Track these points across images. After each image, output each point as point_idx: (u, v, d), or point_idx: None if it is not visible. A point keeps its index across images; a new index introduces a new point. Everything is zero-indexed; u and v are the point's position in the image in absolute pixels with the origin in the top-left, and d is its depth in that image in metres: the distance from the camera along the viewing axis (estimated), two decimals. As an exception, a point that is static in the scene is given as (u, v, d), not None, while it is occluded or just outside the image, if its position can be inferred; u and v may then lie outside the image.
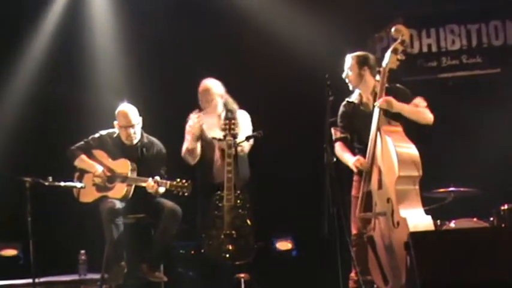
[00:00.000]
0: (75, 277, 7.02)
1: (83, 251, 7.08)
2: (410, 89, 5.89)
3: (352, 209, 5.88)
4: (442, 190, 6.79)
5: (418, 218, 5.37)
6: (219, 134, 6.57)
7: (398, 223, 5.36)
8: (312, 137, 6.39)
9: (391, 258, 5.40)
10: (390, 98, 5.61)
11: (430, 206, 6.08)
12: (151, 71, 7.95)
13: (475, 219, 6.68)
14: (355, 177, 5.92)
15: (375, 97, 5.74)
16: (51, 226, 7.52)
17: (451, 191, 6.84)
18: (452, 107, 7.61)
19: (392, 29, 5.76)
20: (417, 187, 5.53)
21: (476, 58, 8.20)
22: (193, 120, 6.70)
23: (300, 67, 7.62)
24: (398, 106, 5.63)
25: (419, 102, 5.77)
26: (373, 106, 5.69)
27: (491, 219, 6.78)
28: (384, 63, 5.67)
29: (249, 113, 6.97)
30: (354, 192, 5.93)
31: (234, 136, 6.57)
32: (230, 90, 6.98)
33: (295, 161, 7.73)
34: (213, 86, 6.81)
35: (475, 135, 7.66)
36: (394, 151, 5.46)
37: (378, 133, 5.58)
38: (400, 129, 5.67)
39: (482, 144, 7.56)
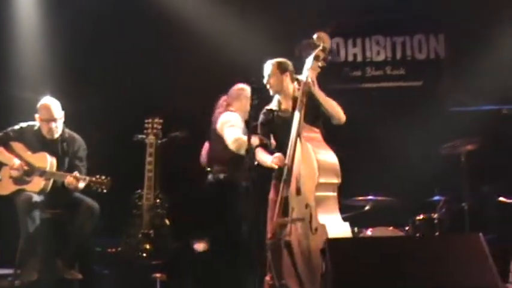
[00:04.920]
0: (-15, 271, 6.85)
1: (-5, 245, 6.91)
2: (335, 97, 5.95)
3: (268, 212, 5.88)
4: (360, 198, 6.89)
5: (336, 225, 5.41)
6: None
7: (316, 229, 5.38)
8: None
9: (308, 263, 5.42)
10: (311, 83, 5.65)
11: (348, 213, 6.17)
12: (76, 66, 7.83)
13: (391, 228, 6.79)
14: (274, 181, 5.94)
15: (294, 103, 5.78)
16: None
17: (369, 199, 6.95)
18: (375, 116, 7.73)
19: (314, 36, 5.80)
20: (335, 194, 5.56)
21: (400, 70, 8.36)
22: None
23: (227, 70, 7.62)
24: (318, 91, 5.68)
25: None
26: (293, 112, 5.72)
27: (407, 228, 6.92)
28: (305, 69, 5.71)
29: (174, 113, 6.93)
30: (271, 195, 5.92)
31: (157, 135, 6.52)
32: (155, 88, 6.93)
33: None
34: None
35: (395, 145, 7.79)
36: (314, 158, 5.48)
37: (298, 139, 5.60)
38: (319, 135, 5.70)
39: (402, 154, 7.69)
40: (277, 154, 5.73)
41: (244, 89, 6.57)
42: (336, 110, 5.75)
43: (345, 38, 8.36)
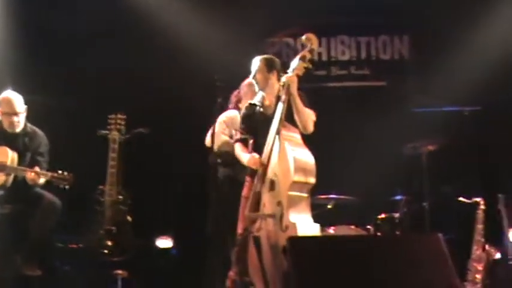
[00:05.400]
0: None
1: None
2: (300, 96, 5.96)
3: (241, 209, 5.88)
4: (323, 197, 6.92)
5: (307, 225, 5.44)
6: None
7: (287, 227, 5.39)
8: (200, 137, 6.39)
9: (275, 261, 5.41)
10: (295, 79, 5.65)
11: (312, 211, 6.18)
12: (40, 61, 7.76)
13: (353, 226, 6.83)
14: (247, 178, 5.93)
15: (277, 101, 5.79)
16: None
17: (332, 198, 6.99)
18: (339, 116, 7.77)
19: (303, 37, 5.79)
20: (308, 195, 5.58)
21: (364, 70, 8.42)
22: None
23: (191, 67, 7.62)
24: (296, 94, 5.67)
25: (311, 114, 5.84)
26: (275, 110, 5.72)
27: (369, 227, 6.97)
28: (290, 69, 5.71)
29: (139, 110, 6.90)
30: (244, 192, 5.91)
31: (120, 131, 6.49)
32: (120, 85, 6.89)
33: (181, 160, 7.71)
34: None
35: (358, 144, 7.85)
36: (291, 156, 5.49)
37: (277, 136, 5.61)
38: (298, 135, 5.71)
39: (364, 154, 7.75)
40: (255, 155, 5.72)
41: (254, 84, 6.53)
42: (306, 120, 5.73)
43: (311, 37, 8.37)
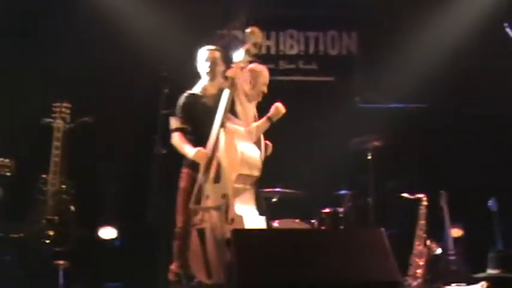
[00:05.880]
0: None
1: None
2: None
3: (178, 201, 5.85)
4: (268, 190, 6.93)
5: (253, 218, 5.46)
6: None
7: (233, 220, 5.40)
8: (144, 127, 6.35)
9: (219, 253, 5.41)
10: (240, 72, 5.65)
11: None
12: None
13: (297, 220, 6.86)
14: (185, 170, 5.90)
15: (220, 94, 5.78)
16: None
17: (277, 191, 7.01)
18: (286, 109, 7.77)
19: (248, 30, 5.78)
20: (254, 188, 5.61)
21: (312, 65, 8.45)
22: None
23: (139, 57, 7.56)
24: (239, 87, 5.66)
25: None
26: (216, 101, 5.70)
27: (313, 221, 7.00)
28: (235, 61, 5.69)
29: (84, 99, 6.80)
30: (182, 184, 5.88)
31: (64, 120, 6.41)
32: (66, 74, 6.80)
33: (126, 150, 7.65)
34: None
35: (304, 139, 7.88)
36: (237, 149, 5.49)
37: (222, 128, 5.60)
38: (242, 127, 5.71)
39: (310, 148, 7.79)
40: (201, 150, 5.68)
41: (254, 70, 6.45)
42: (247, 115, 5.75)
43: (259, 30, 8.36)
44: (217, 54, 5.96)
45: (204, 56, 5.95)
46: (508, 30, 6.13)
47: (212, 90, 5.94)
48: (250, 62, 5.71)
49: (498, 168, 8.10)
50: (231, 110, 5.67)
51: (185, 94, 5.97)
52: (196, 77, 5.98)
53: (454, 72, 8.12)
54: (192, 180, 5.77)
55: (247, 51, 5.66)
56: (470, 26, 8.15)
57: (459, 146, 8.22)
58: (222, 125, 5.58)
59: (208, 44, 6.01)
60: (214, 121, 5.63)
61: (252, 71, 6.21)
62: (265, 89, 6.14)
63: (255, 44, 5.70)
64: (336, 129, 7.76)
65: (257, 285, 4.36)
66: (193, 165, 5.76)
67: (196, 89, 5.98)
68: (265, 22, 8.30)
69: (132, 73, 7.66)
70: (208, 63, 5.92)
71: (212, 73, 5.94)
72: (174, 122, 5.87)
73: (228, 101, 5.60)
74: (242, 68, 5.67)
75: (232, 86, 5.62)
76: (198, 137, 5.79)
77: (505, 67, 7.09)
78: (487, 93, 8.06)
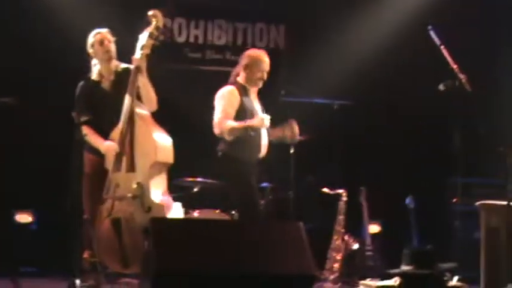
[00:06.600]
0: None
1: None
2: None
3: (84, 187, 5.77)
4: (189, 179, 6.90)
5: (171, 206, 5.46)
6: None
7: (150, 208, 5.36)
8: (67, 111, 6.24)
9: (136, 242, 5.37)
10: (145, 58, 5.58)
11: (176, 194, 6.17)
12: None
13: (217, 211, 6.85)
14: (87, 155, 5.80)
15: (117, 77, 5.72)
16: None
17: (199, 181, 6.98)
18: (212, 99, 7.75)
19: (149, 13, 5.72)
20: (165, 175, 5.60)
21: (239, 56, 8.42)
22: None
23: (64, 39, 7.42)
24: (144, 71, 5.60)
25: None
26: (116, 86, 5.65)
27: (233, 212, 7.00)
28: (139, 44, 5.62)
29: (4, 80, 6.64)
30: (87, 170, 5.79)
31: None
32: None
33: (45, 135, 7.51)
34: None
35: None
36: (151, 136, 5.45)
37: (132, 116, 5.53)
38: (149, 114, 5.67)
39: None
40: (111, 143, 5.59)
41: (251, 55, 6.33)
42: (152, 96, 5.69)
43: (188, 18, 8.33)
44: (110, 36, 5.86)
45: (96, 39, 5.84)
46: (431, 33, 6.24)
47: (108, 74, 5.85)
48: (154, 46, 5.62)
49: (417, 166, 8.27)
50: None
51: (80, 83, 5.85)
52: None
53: (379, 70, 8.24)
54: (96, 165, 5.68)
55: (150, 35, 5.61)
56: (396, 24, 8.27)
57: (380, 143, 8.36)
58: (132, 112, 5.52)
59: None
60: (113, 106, 5.56)
61: (247, 56, 6.19)
62: (262, 75, 6.09)
63: (157, 28, 5.64)
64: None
65: (173, 275, 4.35)
66: (95, 150, 5.68)
67: (92, 75, 5.88)
68: (194, 11, 8.32)
69: (58, 55, 7.53)
70: (102, 46, 5.82)
71: (106, 56, 5.83)
72: (76, 117, 5.75)
73: (134, 87, 5.54)
74: (146, 54, 5.60)
75: (138, 69, 5.56)
76: (98, 123, 5.70)
77: (430, 67, 7.21)
78: (410, 93, 8.21)
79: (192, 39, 8.36)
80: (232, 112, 6.09)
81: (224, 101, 6.13)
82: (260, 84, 6.24)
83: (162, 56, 5.79)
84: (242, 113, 6.12)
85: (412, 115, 8.29)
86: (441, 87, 6.18)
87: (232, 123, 6.03)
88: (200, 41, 8.39)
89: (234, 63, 6.50)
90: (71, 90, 5.92)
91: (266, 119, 6.10)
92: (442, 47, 6.18)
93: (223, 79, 8.24)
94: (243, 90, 6.21)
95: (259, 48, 8.38)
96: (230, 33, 8.46)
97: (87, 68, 5.83)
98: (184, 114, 7.54)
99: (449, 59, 6.15)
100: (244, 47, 8.40)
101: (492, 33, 8.42)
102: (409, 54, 8.18)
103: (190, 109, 7.47)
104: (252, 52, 6.32)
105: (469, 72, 6.18)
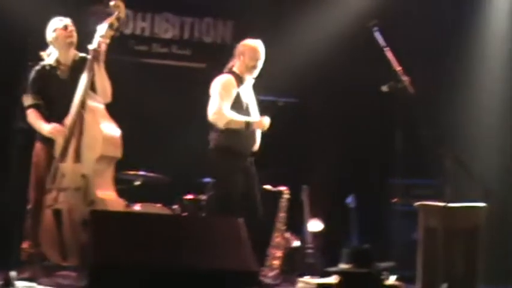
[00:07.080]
0: None
1: None
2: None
3: (31, 176, 5.71)
4: (131, 173, 6.86)
5: (112, 200, 5.42)
6: None
7: (92, 202, 5.32)
8: (7, 100, 6.15)
9: (76, 234, 5.33)
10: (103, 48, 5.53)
11: (118, 186, 6.12)
12: None
13: (159, 205, 6.83)
14: (38, 144, 5.76)
15: (74, 65, 5.67)
16: None
17: (141, 175, 6.95)
18: (156, 93, 7.72)
19: (112, 3, 5.69)
20: (112, 169, 5.55)
21: (186, 50, 8.41)
22: None
23: (4, 29, 7.29)
24: (101, 62, 5.56)
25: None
26: (72, 73, 5.59)
27: (175, 207, 6.99)
28: (98, 34, 5.59)
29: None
30: (34, 159, 5.76)
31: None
32: None
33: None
34: None
35: (173, 124, 7.84)
36: (99, 128, 5.42)
37: (82, 106, 5.49)
38: (102, 105, 5.63)
39: (177, 134, 7.76)
40: (57, 126, 5.54)
41: (246, 45, 6.23)
42: (107, 87, 5.67)
43: (135, 10, 8.26)
44: (70, 24, 5.81)
45: (60, 25, 5.79)
46: (376, 34, 6.29)
47: (66, 62, 5.80)
48: (113, 36, 5.60)
49: (359, 166, 8.35)
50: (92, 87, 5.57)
51: (36, 67, 5.81)
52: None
53: (325, 69, 8.28)
54: (46, 155, 5.65)
55: (111, 25, 5.59)
56: (341, 24, 8.32)
57: (324, 141, 8.41)
58: (83, 103, 5.48)
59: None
60: (68, 94, 5.52)
61: (242, 45, 6.15)
62: (255, 64, 6.06)
63: (118, 19, 5.63)
64: (204, 116, 7.75)
65: (110, 268, 4.31)
66: (47, 140, 5.63)
67: (49, 61, 5.83)
68: (141, 3, 8.25)
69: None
70: (65, 31, 5.76)
71: (68, 41, 5.78)
72: (26, 99, 5.71)
73: (89, 77, 5.50)
74: (106, 44, 5.58)
75: (95, 60, 5.52)
76: (52, 111, 5.67)
77: (374, 67, 7.28)
78: (354, 91, 8.27)
79: (138, 32, 8.29)
80: (230, 101, 6.05)
81: (222, 88, 6.10)
82: (254, 74, 6.21)
83: (108, 47, 5.73)
84: (238, 104, 6.11)
85: (356, 115, 8.36)
86: (384, 88, 6.24)
87: (232, 115, 5.99)
88: (147, 33, 8.33)
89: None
90: (11, 80, 5.83)
91: (266, 123, 6.09)
92: (386, 49, 6.23)
93: (168, 73, 8.27)
94: (239, 80, 6.18)
95: (206, 43, 8.43)
96: (177, 27, 8.42)
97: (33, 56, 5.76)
98: (129, 106, 7.47)
99: (393, 61, 6.21)
100: (190, 42, 8.40)
101: (438, 34, 8.50)
102: (354, 53, 8.24)
103: (135, 101, 7.41)
104: (247, 41, 6.30)
105: (412, 74, 6.25)
